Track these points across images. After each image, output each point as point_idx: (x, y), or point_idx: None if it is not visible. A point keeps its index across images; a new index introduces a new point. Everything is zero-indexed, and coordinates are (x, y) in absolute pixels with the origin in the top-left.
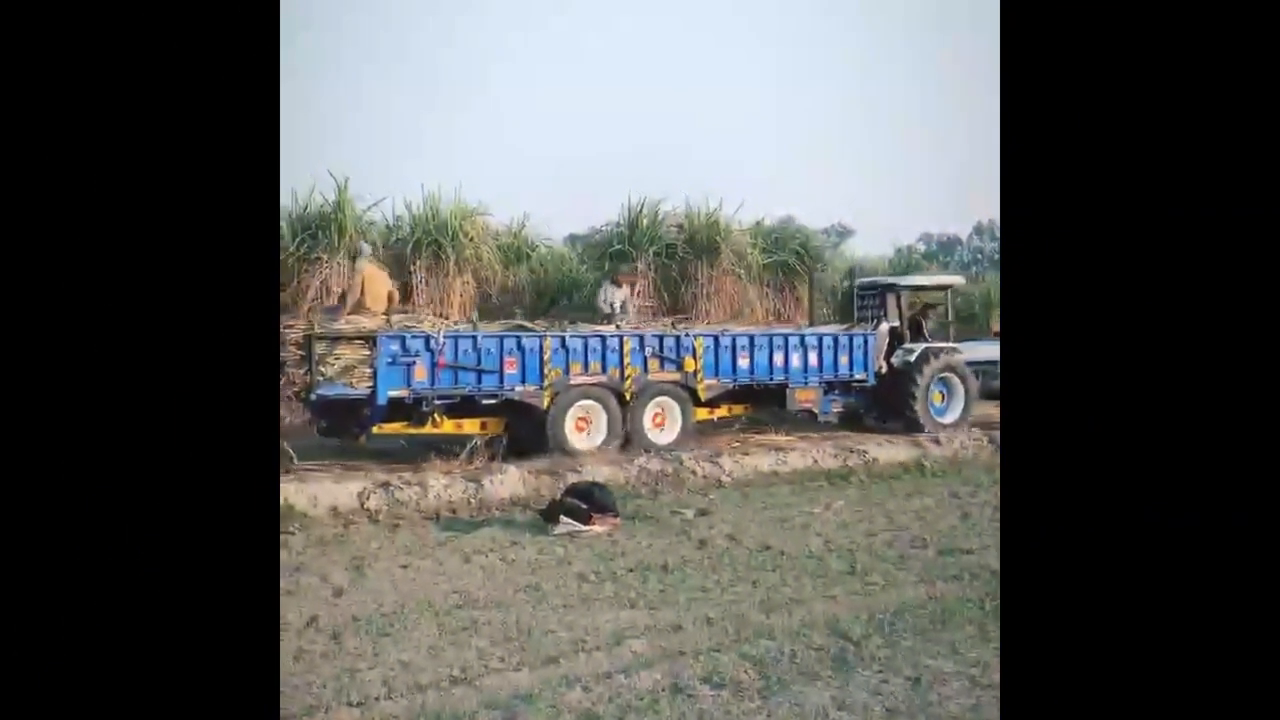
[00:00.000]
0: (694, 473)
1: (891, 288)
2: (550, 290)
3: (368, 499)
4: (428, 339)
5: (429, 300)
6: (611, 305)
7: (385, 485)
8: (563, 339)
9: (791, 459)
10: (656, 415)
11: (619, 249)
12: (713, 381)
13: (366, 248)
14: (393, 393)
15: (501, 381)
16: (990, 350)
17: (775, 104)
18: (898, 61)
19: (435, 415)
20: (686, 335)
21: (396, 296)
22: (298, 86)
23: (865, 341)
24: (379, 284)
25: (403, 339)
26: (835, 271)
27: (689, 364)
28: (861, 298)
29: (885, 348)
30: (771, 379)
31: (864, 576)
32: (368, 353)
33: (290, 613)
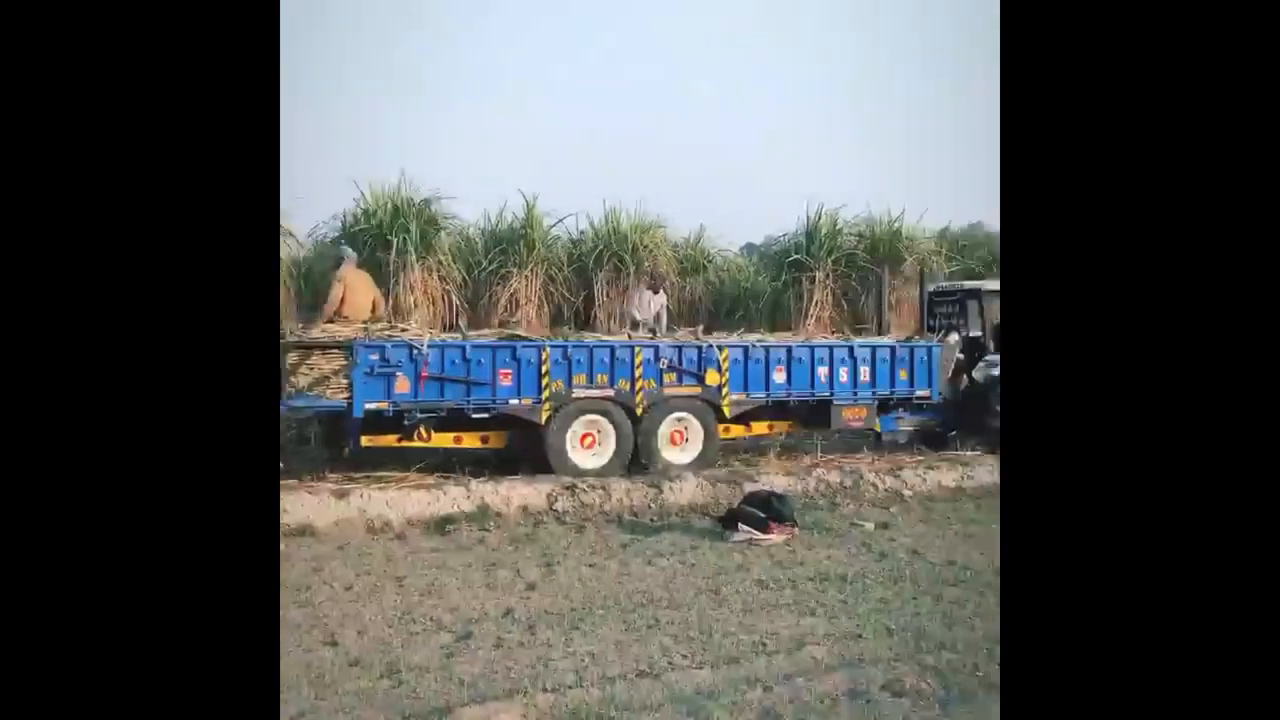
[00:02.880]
0: (874, 485)
1: (974, 293)
2: (727, 300)
3: (555, 500)
4: (410, 348)
5: (609, 314)
6: (645, 313)
7: (571, 489)
8: (564, 349)
9: (978, 474)
10: (676, 432)
11: (797, 259)
12: (740, 396)
13: (350, 253)
14: (371, 405)
15: (494, 394)
16: None
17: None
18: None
19: (421, 429)
20: (709, 347)
21: (382, 305)
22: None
23: (929, 354)
24: (361, 292)
25: (382, 348)
26: None
27: (712, 377)
28: (938, 304)
29: (956, 360)
30: (813, 394)
31: None
32: (345, 363)
33: (489, 604)
